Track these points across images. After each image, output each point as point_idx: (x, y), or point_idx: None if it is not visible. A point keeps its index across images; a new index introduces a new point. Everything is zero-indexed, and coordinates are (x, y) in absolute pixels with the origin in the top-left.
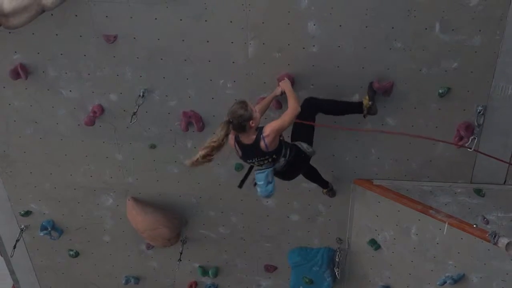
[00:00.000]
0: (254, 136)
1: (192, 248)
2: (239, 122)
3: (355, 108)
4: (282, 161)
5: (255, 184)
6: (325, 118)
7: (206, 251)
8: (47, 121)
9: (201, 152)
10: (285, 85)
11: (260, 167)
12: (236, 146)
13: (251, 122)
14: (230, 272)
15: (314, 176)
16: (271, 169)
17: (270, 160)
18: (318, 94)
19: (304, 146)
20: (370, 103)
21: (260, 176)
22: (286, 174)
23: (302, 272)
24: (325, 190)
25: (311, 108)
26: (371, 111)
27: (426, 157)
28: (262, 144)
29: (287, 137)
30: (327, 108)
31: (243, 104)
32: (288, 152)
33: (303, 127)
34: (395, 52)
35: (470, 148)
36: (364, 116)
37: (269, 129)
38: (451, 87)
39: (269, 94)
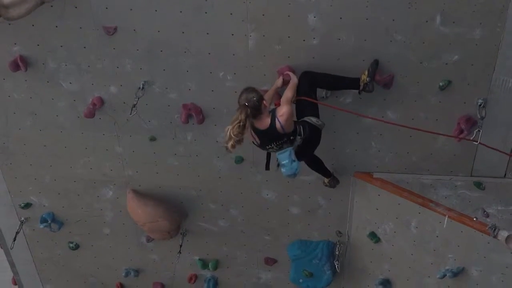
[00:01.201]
0: (269, 119)
1: (192, 241)
2: (254, 103)
3: (352, 83)
4: (298, 139)
5: (279, 165)
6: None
7: (206, 244)
8: (46, 113)
9: (232, 131)
10: (293, 79)
11: (280, 150)
12: (253, 134)
13: (263, 101)
14: (230, 265)
15: (318, 164)
16: (291, 148)
17: (288, 142)
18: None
19: (313, 120)
20: (368, 79)
21: (283, 156)
22: (301, 151)
23: (302, 265)
24: (327, 180)
25: (309, 82)
26: (367, 87)
27: (426, 150)
28: (278, 125)
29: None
30: (323, 81)
31: (250, 88)
32: (301, 130)
33: (306, 102)
34: (396, 44)
35: (476, 141)
36: (359, 93)
37: (281, 109)
38: (452, 80)
39: (270, 87)
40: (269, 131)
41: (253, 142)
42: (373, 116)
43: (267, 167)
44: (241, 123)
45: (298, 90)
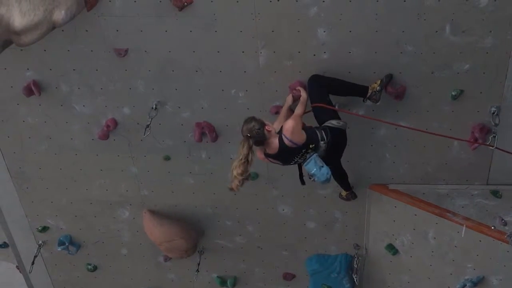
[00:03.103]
0: (277, 140)
1: (210, 259)
2: (257, 132)
3: (360, 90)
4: (323, 145)
5: (311, 176)
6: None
7: (224, 261)
8: (61, 137)
9: (236, 171)
10: (303, 94)
11: (305, 161)
12: (272, 160)
13: (266, 126)
14: (248, 281)
15: (342, 176)
16: (315, 154)
17: (309, 151)
18: (331, 99)
19: (334, 122)
20: (378, 88)
21: (310, 166)
22: (330, 156)
23: (320, 279)
24: (345, 193)
25: (319, 86)
26: (374, 96)
27: (441, 160)
28: (286, 141)
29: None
30: (331, 86)
31: (249, 118)
32: (324, 135)
33: (322, 109)
34: (406, 55)
35: (492, 146)
36: (364, 100)
37: (286, 125)
38: (464, 89)
39: (282, 103)
40: (282, 150)
41: (276, 163)
42: (387, 127)
43: (302, 182)
44: (244, 160)
45: (311, 97)
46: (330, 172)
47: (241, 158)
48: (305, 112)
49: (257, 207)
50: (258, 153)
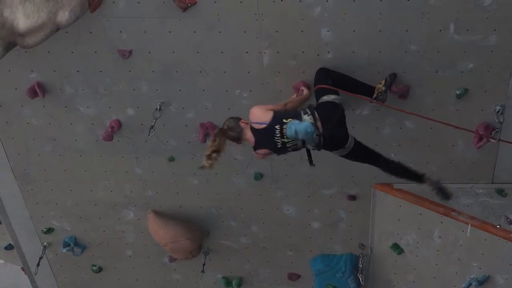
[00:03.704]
0: (249, 129)
1: (215, 259)
2: (232, 124)
3: (366, 89)
4: (306, 118)
5: (295, 139)
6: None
7: (229, 262)
8: (65, 138)
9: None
10: (305, 93)
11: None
12: (258, 152)
13: (241, 120)
14: (253, 281)
15: (370, 155)
16: (293, 120)
17: (285, 125)
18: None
19: (324, 98)
20: (383, 88)
21: (290, 129)
22: (331, 130)
23: (325, 279)
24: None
25: (326, 76)
26: (381, 96)
27: (445, 158)
28: (254, 125)
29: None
30: (339, 79)
31: (231, 118)
32: (308, 110)
33: (323, 90)
34: (410, 55)
35: (495, 139)
36: (370, 101)
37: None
38: (468, 88)
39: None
40: (257, 136)
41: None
42: (391, 126)
43: (310, 162)
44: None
45: (314, 84)
46: (308, 123)
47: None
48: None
49: (262, 208)
50: (255, 153)
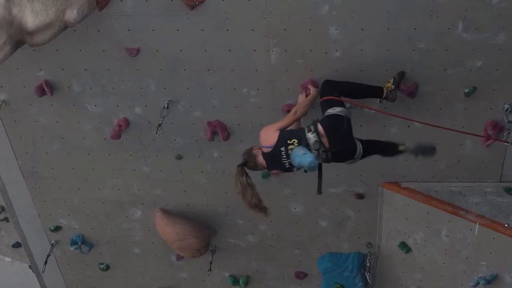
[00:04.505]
0: (260, 153)
1: (222, 258)
2: (247, 155)
3: (374, 91)
4: (311, 136)
5: (305, 170)
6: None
7: (236, 260)
8: (73, 136)
9: (251, 202)
10: (313, 92)
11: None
12: (273, 172)
13: (253, 148)
14: (260, 280)
15: (375, 144)
16: (297, 147)
17: (292, 147)
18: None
19: (329, 111)
20: (392, 87)
21: (293, 158)
22: (338, 142)
23: (333, 278)
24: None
25: (331, 88)
26: (390, 95)
27: (454, 157)
28: (263, 149)
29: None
30: (345, 88)
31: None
32: (312, 127)
33: (328, 102)
34: (419, 53)
35: (508, 142)
36: (380, 101)
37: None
38: (477, 86)
39: (294, 102)
40: (267, 159)
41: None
42: (399, 125)
43: (319, 191)
44: (246, 189)
45: (321, 95)
46: (312, 156)
47: (242, 192)
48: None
49: (269, 206)
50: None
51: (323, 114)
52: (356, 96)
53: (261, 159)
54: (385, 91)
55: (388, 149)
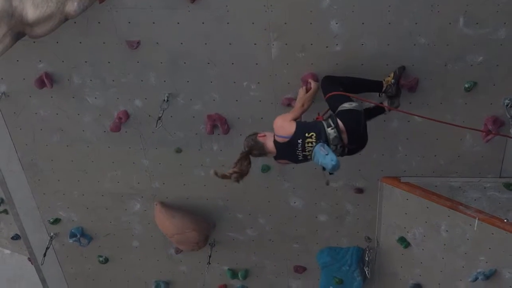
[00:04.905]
0: (272, 141)
1: (221, 251)
2: (252, 142)
3: (374, 85)
4: (331, 131)
5: (323, 168)
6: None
7: (235, 254)
8: (73, 129)
9: (229, 171)
10: (314, 86)
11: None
12: (280, 161)
13: (258, 135)
14: (259, 274)
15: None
16: (319, 144)
17: (309, 141)
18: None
19: (346, 105)
20: (393, 81)
21: (316, 158)
22: (356, 139)
23: (331, 272)
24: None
25: (332, 83)
26: (390, 89)
27: (454, 152)
28: (277, 138)
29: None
30: (345, 83)
31: (248, 137)
32: (331, 122)
33: (335, 98)
34: (420, 48)
35: (511, 137)
36: (380, 95)
37: (274, 123)
38: (477, 81)
39: (295, 95)
40: (279, 149)
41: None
42: (399, 119)
43: (327, 182)
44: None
45: (323, 93)
46: (335, 159)
47: (236, 170)
48: (304, 108)
49: (269, 200)
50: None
51: (332, 110)
52: (356, 90)
53: (271, 147)
54: (384, 85)
55: (377, 108)
